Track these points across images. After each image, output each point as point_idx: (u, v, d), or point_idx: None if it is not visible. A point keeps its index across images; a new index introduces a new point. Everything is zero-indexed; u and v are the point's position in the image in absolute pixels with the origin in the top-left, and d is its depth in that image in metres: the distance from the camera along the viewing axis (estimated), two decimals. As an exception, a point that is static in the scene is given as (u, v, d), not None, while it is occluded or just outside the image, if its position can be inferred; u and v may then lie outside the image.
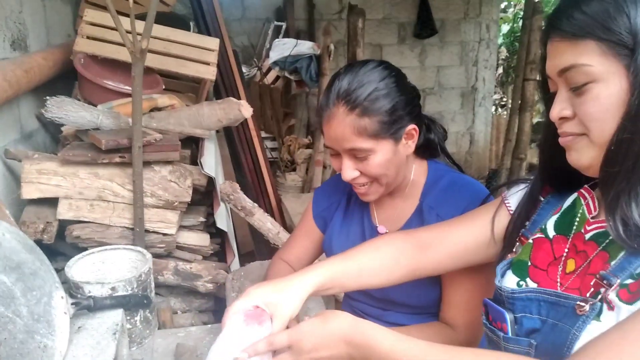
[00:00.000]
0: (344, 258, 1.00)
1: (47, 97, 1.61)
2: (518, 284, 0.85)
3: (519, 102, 4.13)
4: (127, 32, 1.41)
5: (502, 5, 6.64)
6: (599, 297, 0.71)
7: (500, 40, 5.93)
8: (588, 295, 0.74)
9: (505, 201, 0.98)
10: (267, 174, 3.17)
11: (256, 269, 1.54)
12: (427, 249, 1.01)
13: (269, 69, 4.49)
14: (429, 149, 1.21)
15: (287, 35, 4.88)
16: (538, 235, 0.87)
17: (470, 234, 0.99)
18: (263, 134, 4.22)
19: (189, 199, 1.64)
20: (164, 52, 2.08)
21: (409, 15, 5.35)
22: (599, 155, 0.73)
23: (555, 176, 0.89)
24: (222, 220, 1.82)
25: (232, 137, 3.14)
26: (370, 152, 1.06)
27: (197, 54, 2.14)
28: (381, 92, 1.04)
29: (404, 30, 5.42)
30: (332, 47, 4.38)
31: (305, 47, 4.38)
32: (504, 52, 7.28)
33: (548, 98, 0.82)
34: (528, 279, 0.85)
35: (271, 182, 3.24)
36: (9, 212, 1.42)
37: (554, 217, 0.87)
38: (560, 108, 0.76)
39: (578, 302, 0.73)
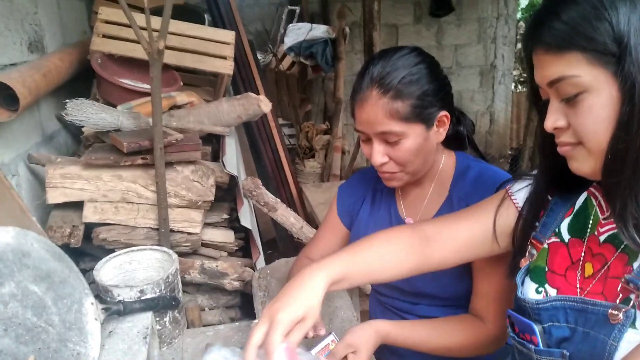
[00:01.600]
0: (353, 253, 0.97)
1: (67, 100, 1.61)
2: (537, 290, 0.83)
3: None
4: (143, 28, 1.39)
5: (521, -22, 6.46)
6: (631, 303, 0.70)
7: (519, 15, 5.77)
8: (618, 301, 0.72)
9: (513, 198, 0.95)
10: (286, 164, 3.16)
11: (282, 267, 1.53)
12: (433, 242, 0.99)
13: (284, 55, 4.45)
14: (457, 141, 1.22)
15: (301, 19, 4.82)
16: (553, 239, 0.85)
17: (476, 228, 0.96)
18: (280, 121, 4.20)
19: (212, 198, 1.64)
20: (180, 47, 2.06)
21: (424, -7, 5.25)
22: (599, 163, 0.72)
23: (560, 179, 0.86)
24: (246, 218, 1.82)
25: (251, 126, 3.13)
26: (401, 136, 1.06)
27: (213, 48, 2.12)
28: (414, 77, 1.05)
29: (420, 9, 5.32)
30: (347, 30, 4.32)
31: (320, 31, 4.33)
32: (523, 27, 7.10)
33: (542, 105, 0.79)
34: (547, 285, 0.83)
35: (291, 172, 3.23)
36: (35, 217, 1.43)
37: (567, 220, 0.85)
38: (554, 119, 0.74)
39: (610, 311, 0.71)
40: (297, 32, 4.40)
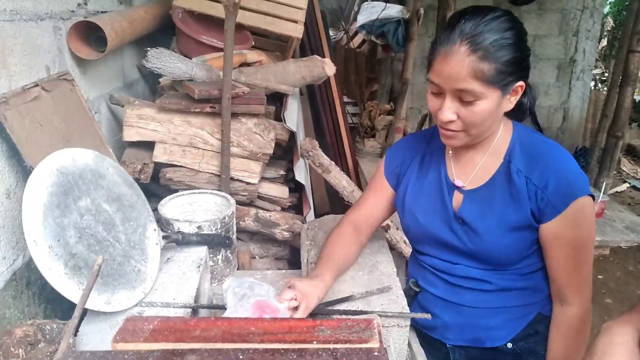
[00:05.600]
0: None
1: (148, 48, 1.73)
2: None
3: (621, 75, 3.84)
4: (223, -13, 1.48)
5: (613, -29, 6.10)
6: None
7: (606, 10, 5.47)
8: None
9: None
10: (346, 137, 3.20)
11: (329, 222, 1.59)
12: None
13: (356, 33, 4.47)
14: (518, 112, 1.20)
15: (376, -2, 4.81)
16: None
17: None
18: (345, 99, 4.22)
19: (271, 151, 1.71)
20: (255, 9, 2.15)
21: (506, -21, 5.08)
22: None
23: None
24: (301, 173, 1.89)
25: (315, 99, 3.19)
26: (479, 97, 1.05)
27: (285, 11, 2.18)
28: (506, 42, 1.03)
29: (500, -5, 5.16)
30: (421, 11, 4.26)
31: (394, 10, 4.30)
32: (610, 23, 6.71)
33: None
34: None
35: (349, 145, 3.27)
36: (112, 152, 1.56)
37: None
38: None
39: None
40: (371, 11, 4.40)
